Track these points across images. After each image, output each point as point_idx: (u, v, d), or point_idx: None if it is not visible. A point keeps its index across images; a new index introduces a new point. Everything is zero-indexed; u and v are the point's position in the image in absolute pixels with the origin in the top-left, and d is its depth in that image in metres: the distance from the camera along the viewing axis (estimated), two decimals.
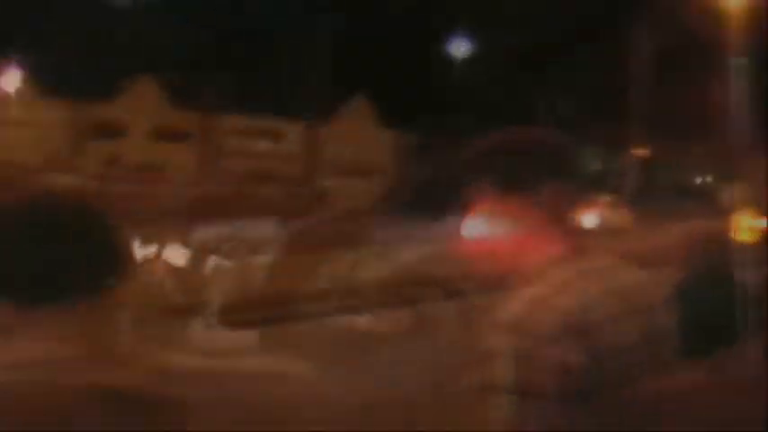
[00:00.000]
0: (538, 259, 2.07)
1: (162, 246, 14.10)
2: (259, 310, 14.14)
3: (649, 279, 2.19)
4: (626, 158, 52.57)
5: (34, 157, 36.55)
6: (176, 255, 13.69)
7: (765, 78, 34.42)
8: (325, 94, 46.76)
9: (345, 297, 16.94)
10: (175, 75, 43.73)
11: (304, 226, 23.73)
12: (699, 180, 55.71)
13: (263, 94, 44.09)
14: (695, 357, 2.23)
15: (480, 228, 2.18)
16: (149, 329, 1.86)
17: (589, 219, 34.56)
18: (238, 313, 11.01)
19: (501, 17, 50.82)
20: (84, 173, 34.67)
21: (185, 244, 14.67)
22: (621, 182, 48.56)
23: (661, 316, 2.12)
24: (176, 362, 1.72)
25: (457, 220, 2.15)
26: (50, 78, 37.94)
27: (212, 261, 13.14)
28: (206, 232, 16.30)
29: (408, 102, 49.95)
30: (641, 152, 52.95)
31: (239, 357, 1.84)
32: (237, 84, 44.67)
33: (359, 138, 49.36)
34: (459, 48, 53.00)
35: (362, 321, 15.60)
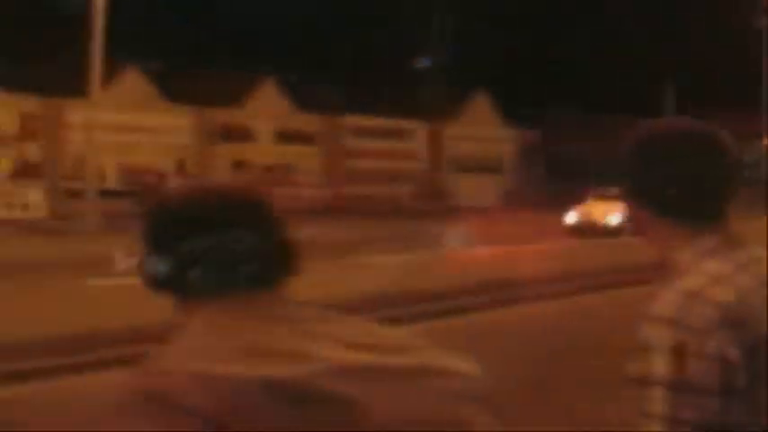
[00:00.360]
0: (695, 251, 2.05)
1: None
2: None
3: None
4: (756, 149, 51.26)
5: (164, 162, 37.39)
6: None
7: None
8: (448, 92, 46.65)
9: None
10: (299, 77, 44.20)
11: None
12: None
13: (386, 94, 44.23)
14: None
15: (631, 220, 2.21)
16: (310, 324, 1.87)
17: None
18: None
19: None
20: (212, 176, 35.27)
21: None
22: (752, 172, 47.35)
23: None
24: (347, 357, 1.71)
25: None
26: (178, 84, 38.65)
27: None
28: None
29: (531, 97, 49.62)
30: None
31: (396, 353, 1.83)
32: (360, 84, 44.91)
33: (482, 134, 49.14)
34: (423, 62, 52.23)
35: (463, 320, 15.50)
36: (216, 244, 1.81)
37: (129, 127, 37.07)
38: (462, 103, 49.38)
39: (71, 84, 34.10)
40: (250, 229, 1.84)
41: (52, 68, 33.98)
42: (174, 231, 1.84)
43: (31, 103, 35.39)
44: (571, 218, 34.37)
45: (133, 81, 38.31)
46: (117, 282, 18.95)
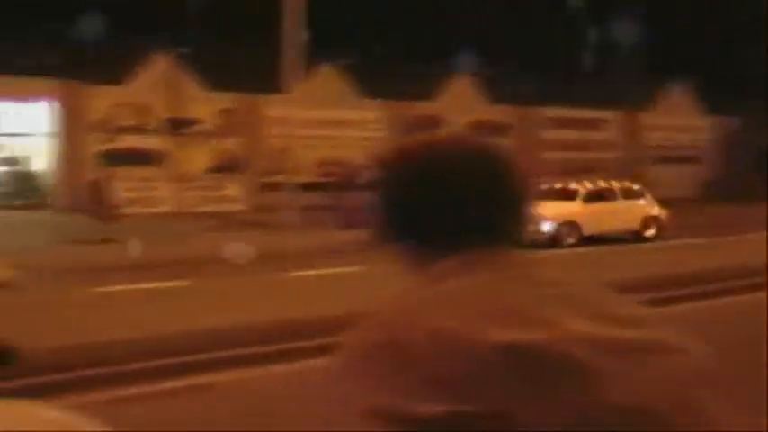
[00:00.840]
0: None
1: None
2: None
3: None
4: None
5: (359, 156, 37.76)
6: None
7: None
8: (645, 80, 45.78)
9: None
10: (491, 69, 44.10)
11: None
12: None
13: (581, 83, 43.77)
14: None
15: None
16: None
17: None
18: None
19: None
20: None
21: None
22: None
23: None
24: (588, 326, 1.60)
25: None
26: (373, 79, 39.05)
27: None
28: None
29: (731, 85, 48.23)
30: None
31: (634, 325, 1.66)
32: (554, 74, 44.53)
33: (680, 123, 48.03)
34: None
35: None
36: (452, 194, 1.77)
37: (324, 121, 37.64)
38: (659, 91, 48.39)
39: (269, 80, 34.86)
40: (488, 182, 1.79)
41: (250, 65, 34.74)
42: (411, 181, 1.81)
43: (229, 99, 36.29)
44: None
45: (328, 76, 38.85)
46: (317, 273, 19.33)
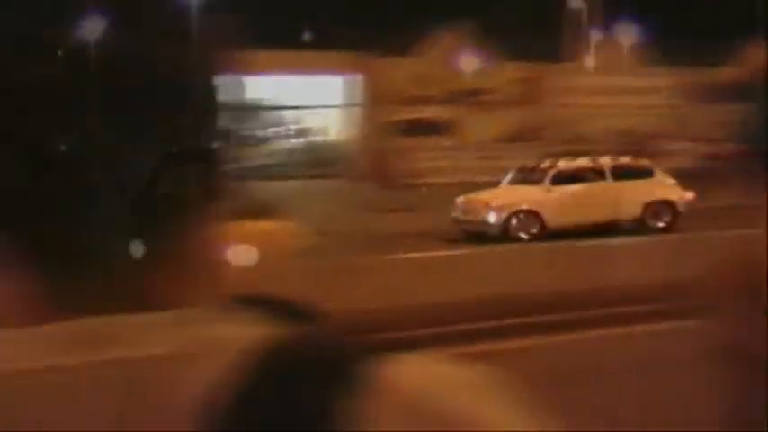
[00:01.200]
0: None
1: None
2: None
3: None
4: None
5: (649, 124, 36.95)
6: None
7: None
8: None
9: None
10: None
11: None
12: None
13: None
14: None
15: None
16: None
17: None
18: None
19: None
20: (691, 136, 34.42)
21: None
22: None
23: None
24: None
25: None
26: (663, 47, 38.11)
27: None
28: None
29: None
30: None
31: None
32: None
33: None
34: None
35: None
36: None
37: (615, 90, 37.00)
38: None
39: (557, 50, 34.64)
40: None
41: (538, 35, 34.64)
42: None
43: (518, 69, 36.31)
44: (456, 210, 22.59)
45: (617, 44, 38.18)
46: (608, 242, 19.09)
